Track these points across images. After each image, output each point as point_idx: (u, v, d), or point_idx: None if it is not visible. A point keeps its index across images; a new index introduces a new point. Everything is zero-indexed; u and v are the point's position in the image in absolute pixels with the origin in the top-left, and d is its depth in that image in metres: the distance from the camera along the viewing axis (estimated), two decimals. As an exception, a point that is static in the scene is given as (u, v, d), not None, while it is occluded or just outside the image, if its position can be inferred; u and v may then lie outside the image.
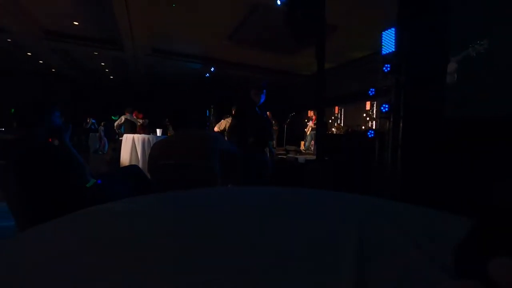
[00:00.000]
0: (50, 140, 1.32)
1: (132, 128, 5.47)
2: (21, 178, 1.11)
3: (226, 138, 3.61)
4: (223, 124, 3.63)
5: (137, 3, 5.00)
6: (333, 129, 8.33)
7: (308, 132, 7.53)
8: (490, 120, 2.20)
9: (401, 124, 2.82)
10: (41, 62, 9.41)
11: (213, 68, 8.75)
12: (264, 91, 2.62)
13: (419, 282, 0.37)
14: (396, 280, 0.38)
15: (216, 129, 3.71)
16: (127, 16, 5.47)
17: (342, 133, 7.41)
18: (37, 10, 5.64)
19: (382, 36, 3.17)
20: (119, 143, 7.13)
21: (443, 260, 0.39)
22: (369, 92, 3.51)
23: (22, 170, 1.11)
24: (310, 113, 7.45)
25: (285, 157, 5.33)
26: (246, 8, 5.22)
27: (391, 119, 2.93)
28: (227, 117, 3.75)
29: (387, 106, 2.96)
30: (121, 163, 4.13)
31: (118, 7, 5.12)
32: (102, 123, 8.95)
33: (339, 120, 9.20)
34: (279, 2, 4.25)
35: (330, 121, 9.20)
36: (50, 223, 0.58)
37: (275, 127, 7.79)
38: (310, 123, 7.46)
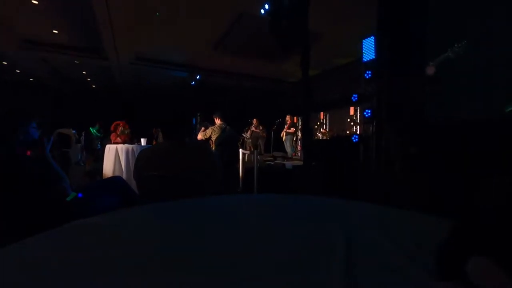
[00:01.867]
0: (27, 153, 1.26)
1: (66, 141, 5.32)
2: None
3: (213, 146, 3.58)
4: (208, 133, 3.59)
5: (119, 11, 4.94)
6: (318, 134, 8.46)
7: (284, 138, 7.57)
8: (470, 123, 2.31)
9: (383, 129, 2.91)
10: (18, 71, 9.06)
11: (198, 76, 8.73)
12: None
13: (404, 284, 0.38)
14: (382, 282, 0.38)
15: (200, 136, 3.66)
16: (109, 24, 5.38)
17: (327, 138, 7.54)
18: (14, 18, 5.45)
19: (362, 44, 3.29)
20: (97, 153, 6.91)
21: (426, 262, 0.41)
22: (352, 98, 3.61)
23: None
24: (286, 118, 7.53)
25: (272, 163, 5.35)
26: (230, 17, 5.28)
27: (374, 124, 3.01)
28: (211, 126, 3.72)
29: (369, 111, 3.05)
30: (103, 175, 4.00)
31: (100, 15, 5.03)
32: (83, 133, 8.67)
33: (324, 126, 9.37)
34: (263, 11, 4.32)
35: (315, 126, 9.37)
36: (29, 240, 0.55)
37: (262, 134, 7.82)
38: (285, 128, 7.51)
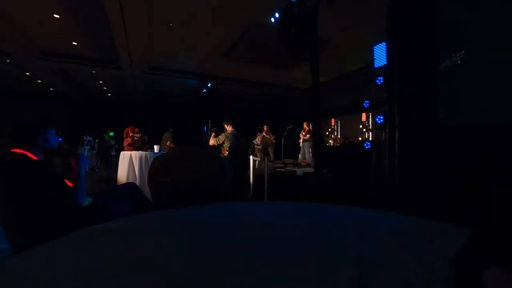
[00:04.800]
0: (48, 159, 1.31)
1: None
2: (14, 199, 1.10)
3: (224, 152, 3.60)
4: (221, 139, 3.61)
5: (134, 23, 5.13)
6: (330, 141, 8.37)
7: (301, 144, 7.44)
8: (484, 128, 2.24)
9: (396, 135, 2.85)
10: (39, 81, 9.51)
11: (210, 84, 8.88)
12: None
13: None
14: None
15: (212, 142, 3.68)
16: (125, 35, 5.60)
17: (339, 145, 7.44)
18: (36, 31, 5.76)
19: (374, 50, 3.27)
20: (112, 160, 7.05)
21: (442, 271, 0.40)
22: (364, 104, 3.56)
23: (16, 190, 1.10)
24: (304, 125, 7.35)
25: (283, 170, 5.32)
26: (241, 26, 5.38)
27: (387, 130, 2.96)
28: (225, 132, 3.74)
29: (382, 117, 3.00)
30: (118, 181, 4.09)
31: (116, 27, 5.25)
32: (97, 140, 8.90)
33: (336, 132, 9.28)
34: (273, 20, 4.38)
35: (327, 133, 9.28)
36: (46, 245, 0.57)
37: (272, 140, 7.81)
38: (302, 134, 7.36)
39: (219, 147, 3.66)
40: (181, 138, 1.48)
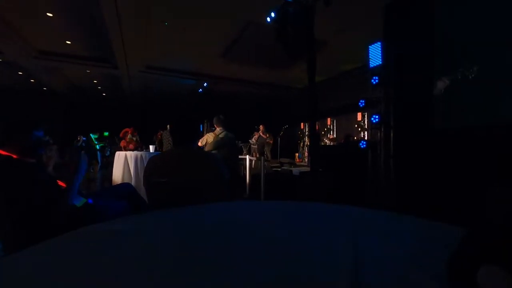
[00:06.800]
0: (36, 160, 1.29)
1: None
2: (5, 199, 1.08)
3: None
4: (204, 139, 3.57)
5: (130, 21, 5.09)
6: (326, 140, 8.41)
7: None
8: (478, 129, 2.26)
9: (391, 135, 2.88)
10: (32, 80, 9.37)
11: (206, 84, 8.85)
12: None
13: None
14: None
15: (199, 143, 3.64)
16: (120, 34, 5.54)
17: (335, 144, 7.48)
18: (29, 30, 5.68)
19: (369, 50, 3.28)
20: (106, 160, 6.93)
21: (436, 270, 0.40)
22: (359, 103, 3.59)
23: (5, 190, 1.08)
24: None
25: (279, 169, 5.34)
26: (238, 26, 5.37)
27: (382, 130, 2.98)
28: (209, 132, 3.70)
29: (377, 117, 3.02)
30: (113, 181, 4.05)
31: (111, 25, 5.20)
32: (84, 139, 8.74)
33: (331, 131, 9.32)
34: (268, 19, 4.38)
35: (323, 132, 9.33)
36: (39, 246, 0.56)
37: (269, 140, 7.82)
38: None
39: (203, 148, 3.62)
40: (178, 138, 1.47)
